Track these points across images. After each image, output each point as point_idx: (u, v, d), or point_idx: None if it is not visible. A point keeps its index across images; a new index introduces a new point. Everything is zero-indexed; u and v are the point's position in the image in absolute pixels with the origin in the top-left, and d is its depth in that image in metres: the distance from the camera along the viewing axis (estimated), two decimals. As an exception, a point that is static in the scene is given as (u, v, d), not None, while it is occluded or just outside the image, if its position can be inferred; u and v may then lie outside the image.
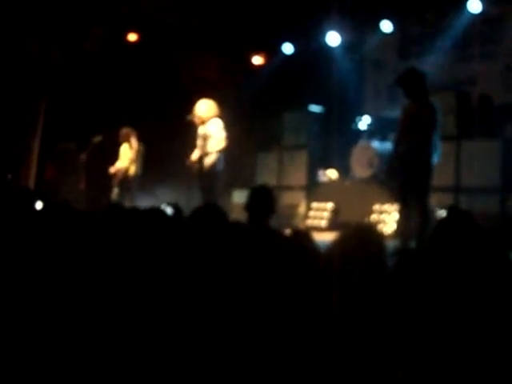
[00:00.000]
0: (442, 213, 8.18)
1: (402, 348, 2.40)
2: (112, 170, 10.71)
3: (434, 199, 8.61)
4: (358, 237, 3.17)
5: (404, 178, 7.09)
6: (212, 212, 3.78)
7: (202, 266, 3.10)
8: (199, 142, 8.93)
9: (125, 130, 10.81)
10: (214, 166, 8.81)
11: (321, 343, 2.61)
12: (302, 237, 3.65)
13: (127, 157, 10.76)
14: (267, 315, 2.79)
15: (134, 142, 10.76)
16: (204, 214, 3.73)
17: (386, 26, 11.26)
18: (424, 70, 9.87)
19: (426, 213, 7.02)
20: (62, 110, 11.80)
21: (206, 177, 8.86)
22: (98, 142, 10.80)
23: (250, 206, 4.94)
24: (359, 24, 11.29)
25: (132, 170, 10.72)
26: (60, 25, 10.98)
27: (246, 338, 2.72)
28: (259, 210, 4.90)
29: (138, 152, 10.79)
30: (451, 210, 6.24)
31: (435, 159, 6.99)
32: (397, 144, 7.30)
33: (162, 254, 3.27)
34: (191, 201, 9.96)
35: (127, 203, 9.47)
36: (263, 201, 4.96)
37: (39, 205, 5.24)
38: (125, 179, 10.73)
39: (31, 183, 11.71)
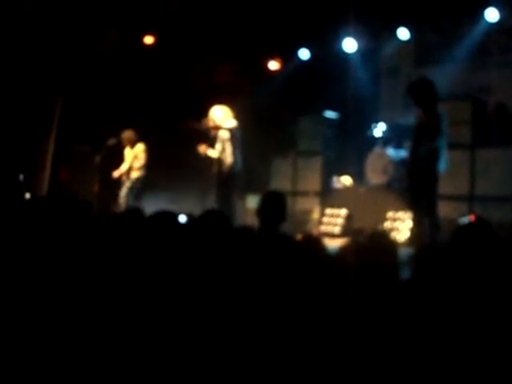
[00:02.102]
0: (464, 220, 8.17)
1: (414, 354, 2.40)
2: (116, 173, 10.76)
3: (448, 207, 8.61)
4: (373, 244, 3.17)
5: (412, 186, 7.18)
6: (215, 218, 3.77)
7: (208, 271, 3.11)
8: (215, 147, 8.94)
9: (126, 133, 10.83)
10: (230, 169, 8.82)
11: (330, 347, 2.61)
12: (313, 242, 3.65)
13: (129, 159, 10.80)
14: (272, 318, 2.79)
15: (136, 144, 10.80)
16: (207, 221, 3.72)
17: (403, 34, 11.24)
18: (438, 79, 9.97)
19: (433, 221, 7.05)
20: (78, 112, 11.83)
21: (221, 181, 8.87)
22: (112, 145, 10.82)
23: (261, 211, 4.95)
24: (375, 31, 11.28)
25: (136, 173, 10.73)
26: (76, 26, 11.02)
27: (248, 339, 2.72)
28: (270, 215, 4.89)
29: (143, 154, 10.80)
30: (476, 219, 6.26)
31: (441, 167, 7.04)
32: (410, 152, 7.37)
33: (168, 258, 3.28)
34: (206, 206, 10.00)
35: (139, 206, 9.48)
36: (274, 206, 4.96)
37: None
38: (136, 182, 10.77)
39: (45, 184, 11.74)
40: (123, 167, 10.78)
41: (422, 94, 7.22)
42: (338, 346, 2.62)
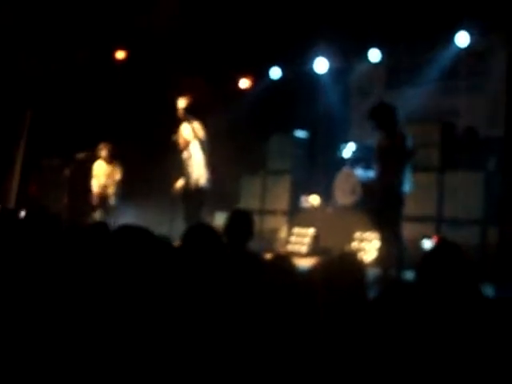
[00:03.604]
0: (426, 242, 8.23)
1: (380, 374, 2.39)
2: (93, 189, 10.68)
3: (415, 229, 8.67)
4: (340, 264, 3.16)
5: (376, 207, 7.26)
6: (207, 233, 3.72)
7: (174, 288, 3.08)
8: (184, 163, 8.93)
9: (103, 146, 10.76)
10: (198, 187, 8.81)
11: (298, 367, 2.59)
12: (283, 261, 3.64)
13: (103, 175, 10.72)
14: (239, 338, 2.77)
15: (109, 158, 10.74)
16: (199, 235, 3.68)
17: (374, 55, 11.34)
18: (408, 101, 10.06)
19: (399, 242, 7.11)
20: (47, 125, 11.75)
21: (190, 198, 8.85)
22: (81, 159, 10.75)
23: (228, 229, 4.92)
24: (347, 51, 11.36)
25: (111, 189, 10.68)
26: (46, 41, 10.96)
27: (215, 359, 2.69)
28: (238, 233, 4.87)
29: (116, 170, 10.76)
30: (440, 241, 6.32)
31: (406, 188, 7.12)
32: (376, 174, 7.44)
33: (133, 272, 3.24)
34: (174, 222, 9.95)
35: (109, 221, 9.42)
36: (242, 224, 4.94)
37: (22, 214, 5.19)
38: (105, 199, 10.70)
39: (13, 197, 11.64)
40: (97, 182, 10.69)
41: (383, 117, 7.34)
42: (306, 365, 2.60)
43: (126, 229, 3.55)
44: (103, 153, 10.75)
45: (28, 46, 11.01)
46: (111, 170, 10.76)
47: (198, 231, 3.68)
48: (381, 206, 7.18)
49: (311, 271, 3.10)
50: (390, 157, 7.15)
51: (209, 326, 2.86)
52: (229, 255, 3.86)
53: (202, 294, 3.04)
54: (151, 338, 2.79)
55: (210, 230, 3.70)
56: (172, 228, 9.05)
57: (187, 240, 3.61)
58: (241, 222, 5.04)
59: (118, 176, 10.73)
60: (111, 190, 10.69)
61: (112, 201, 10.72)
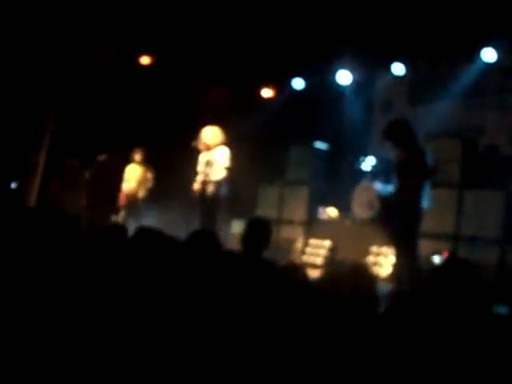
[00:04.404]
0: (436, 258, 8.17)
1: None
2: (122, 192, 10.86)
3: (432, 246, 8.60)
4: (352, 275, 3.15)
5: (393, 223, 7.20)
6: (207, 239, 3.75)
7: (189, 292, 3.08)
8: (202, 168, 8.97)
9: (138, 151, 10.99)
10: (216, 192, 8.82)
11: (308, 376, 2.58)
12: (295, 270, 3.63)
13: (135, 178, 10.90)
14: (252, 344, 2.76)
15: (144, 164, 10.96)
16: (199, 240, 3.70)
17: (398, 69, 11.30)
18: (431, 116, 9.98)
19: (413, 257, 7.05)
20: (71, 126, 11.84)
21: (207, 203, 8.87)
22: (102, 161, 10.83)
23: (245, 237, 4.93)
24: (371, 64, 11.33)
25: (141, 192, 10.88)
26: (71, 44, 11.04)
27: (229, 366, 2.69)
28: (254, 241, 4.87)
29: (148, 175, 10.96)
30: (450, 257, 6.27)
31: (424, 204, 7.07)
32: (395, 190, 7.38)
33: (154, 275, 3.25)
34: (191, 228, 9.94)
35: (133, 225, 9.48)
36: (259, 232, 4.94)
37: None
38: (133, 202, 10.87)
39: (34, 196, 11.72)
40: (127, 185, 10.86)
41: (399, 134, 7.29)
42: (314, 372, 2.60)
43: (143, 232, 3.56)
44: (137, 157, 10.97)
45: (52, 49, 11.09)
46: (143, 173, 10.96)
47: (199, 237, 3.70)
48: (398, 222, 7.13)
49: (321, 281, 3.10)
50: (408, 172, 7.10)
51: (219, 331, 2.85)
52: (244, 262, 3.86)
53: (208, 298, 3.04)
54: (162, 341, 2.79)
55: (210, 236, 3.72)
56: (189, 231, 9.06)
57: (188, 245, 3.63)
58: (258, 230, 5.05)
59: (149, 180, 10.94)
60: (141, 194, 10.88)
61: (139, 203, 10.90)
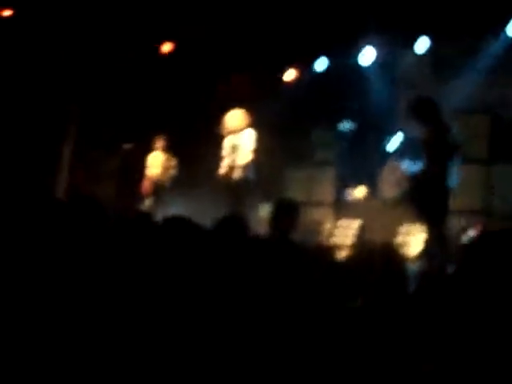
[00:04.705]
0: (469, 232, 8.11)
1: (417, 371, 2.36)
2: (146, 179, 10.85)
3: (461, 222, 8.55)
4: (381, 255, 3.14)
5: (424, 201, 7.17)
6: (236, 224, 3.76)
7: (219, 277, 3.08)
8: (228, 153, 8.97)
9: (160, 138, 10.98)
10: (243, 176, 8.83)
11: (337, 355, 2.59)
12: (325, 252, 3.63)
13: (158, 166, 10.90)
14: (283, 325, 2.77)
15: (156, 149, 10.93)
16: (228, 226, 3.71)
17: (421, 46, 11.19)
18: (456, 92, 9.87)
19: (443, 234, 7.02)
20: (95, 116, 11.88)
21: (235, 188, 8.88)
22: (128, 150, 10.89)
23: (273, 220, 4.93)
24: (394, 42, 11.21)
25: (165, 180, 10.87)
26: (95, 36, 11.07)
27: (258, 346, 2.70)
28: (283, 223, 4.88)
29: (171, 162, 10.95)
30: (482, 231, 6.23)
31: (452, 182, 7.03)
32: (423, 168, 7.35)
33: (181, 262, 3.25)
34: (219, 213, 9.96)
35: (160, 212, 9.53)
36: (287, 214, 4.95)
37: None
38: (158, 190, 10.88)
39: (62, 189, 11.80)
40: (151, 172, 10.86)
41: (425, 112, 7.23)
42: (345, 354, 2.60)
43: (171, 220, 3.56)
44: (159, 144, 10.96)
45: (75, 44, 11.13)
46: (166, 161, 10.96)
47: (228, 223, 3.70)
48: (426, 199, 7.10)
49: (351, 262, 3.10)
50: (435, 150, 7.06)
51: (250, 316, 2.86)
52: (274, 245, 3.86)
53: (238, 284, 3.05)
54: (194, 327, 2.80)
55: (239, 221, 3.72)
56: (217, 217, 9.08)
57: (216, 231, 3.64)
58: (286, 212, 5.06)
59: (172, 167, 10.92)
60: (165, 181, 10.87)
61: (164, 191, 10.90)
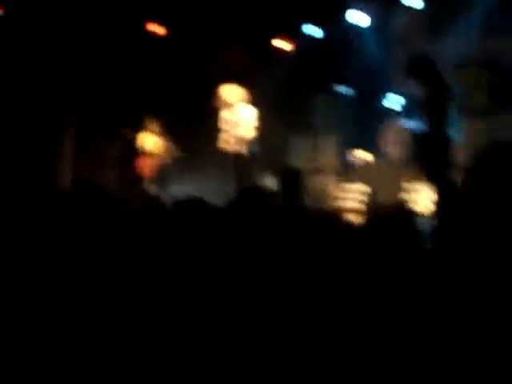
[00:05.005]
0: None
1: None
2: (144, 162, 10.80)
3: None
4: (391, 215, 3.15)
5: (427, 158, 7.20)
6: (261, 196, 3.70)
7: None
8: (228, 127, 8.97)
9: (157, 120, 10.91)
10: (247, 150, 8.85)
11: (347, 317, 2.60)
12: (335, 216, 3.64)
13: (153, 147, 10.83)
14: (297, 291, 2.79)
15: (157, 132, 10.86)
16: (254, 199, 3.66)
17: (414, 3, 11.11)
18: (453, 47, 9.80)
19: (451, 190, 7.03)
20: (95, 104, 11.85)
21: (240, 162, 8.90)
22: (129, 135, 10.87)
23: (282, 189, 4.96)
24: (386, 2, 11.15)
25: (163, 161, 10.80)
26: (91, 23, 11.03)
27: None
28: (291, 191, 4.91)
29: (169, 143, 10.88)
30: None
31: (457, 137, 7.04)
32: (425, 125, 7.38)
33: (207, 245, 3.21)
34: (224, 187, 9.99)
35: (166, 194, 9.53)
36: (294, 182, 4.98)
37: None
38: (159, 170, 10.83)
39: (67, 179, 11.81)
40: (148, 155, 10.81)
41: (421, 72, 7.23)
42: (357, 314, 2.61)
43: (186, 203, 3.50)
44: (152, 127, 10.89)
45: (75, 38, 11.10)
46: (162, 143, 10.88)
47: (250, 194, 3.67)
48: (431, 157, 7.11)
49: (361, 222, 3.10)
50: (437, 107, 7.07)
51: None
52: (285, 214, 3.86)
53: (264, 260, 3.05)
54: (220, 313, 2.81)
55: (261, 192, 3.70)
56: (222, 193, 9.11)
57: (239, 204, 3.61)
58: (291, 180, 5.08)
59: (169, 149, 10.84)
60: (166, 162, 10.81)
61: (164, 173, 10.85)
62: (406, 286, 2.68)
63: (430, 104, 7.16)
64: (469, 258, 2.44)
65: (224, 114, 9.12)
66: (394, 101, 10.37)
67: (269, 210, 3.56)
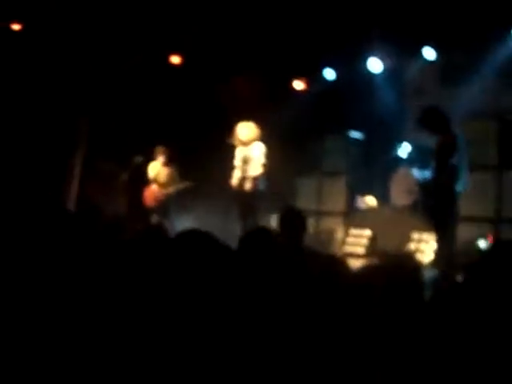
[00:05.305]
0: (481, 242, 8.10)
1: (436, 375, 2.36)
2: (149, 191, 10.80)
3: (472, 230, 8.53)
4: (397, 264, 3.15)
5: (431, 207, 7.23)
6: (266, 237, 3.71)
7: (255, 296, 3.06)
8: (239, 164, 9.02)
9: (158, 149, 10.92)
10: (254, 188, 8.86)
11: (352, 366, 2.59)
12: (337, 261, 3.63)
13: (160, 177, 10.84)
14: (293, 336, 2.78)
15: (166, 161, 10.88)
16: (259, 240, 3.66)
17: (429, 53, 11.19)
18: (465, 99, 9.85)
19: (448, 241, 7.04)
20: (105, 129, 11.91)
21: (246, 199, 8.91)
22: (139, 163, 10.89)
23: (281, 228, 4.95)
24: (401, 50, 11.22)
25: (168, 191, 10.77)
26: (101, 47, 11.12)
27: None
28: (291, 230, 4.90)
29: (173, 172, 10.86)
30: (496, 242, 6.24)
31: (461, 187, 7.06)
32: (431, 173, 7.41)
33: (208, 281, 3.20)
34: (229, 224, 10.00)
35: (168, 225, 9.49)
36: (295, 220, 4.97)
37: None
38: (162, 203, 10.79)
39: (72, 202, 11.83)
40: (155, 185, 10.81)
41: (432, 121, 7.29)
42: (362, 363, 2.60)
43: (189, 234, 3.48)
44: (161, 156, 10.90)
45: (82, 52, 11.19)
46: (169, 173, 10.88)
47: (257, 235, 3.67)
48: (435, 205, 7.14)
49: (364, 271, 3.09)
50: (444, 158, 7.11)
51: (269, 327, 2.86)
52: (286, 253, 3.85)
53: (263, 299, 3.04)
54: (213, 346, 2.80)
55: (268, 233, 3.70)
56: (226, 230, 9.12)
57: (246, 244, 3.60)
58: (293, 218, 5.07)
59: (176, 179, 10.82)
60: (171, 193, 10.78)
61: (169, 204, 10.82)
62: (406, 336, 2.68)
63: (439, 154, 7.20)
64: (469, 311, 2.45)
65: (235, 150, 9.17)
66: (403, 149, 10.40)
67: (271, 250, 3.56)
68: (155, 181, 10.89)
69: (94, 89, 11.77)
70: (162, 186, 10.84)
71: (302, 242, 4.89)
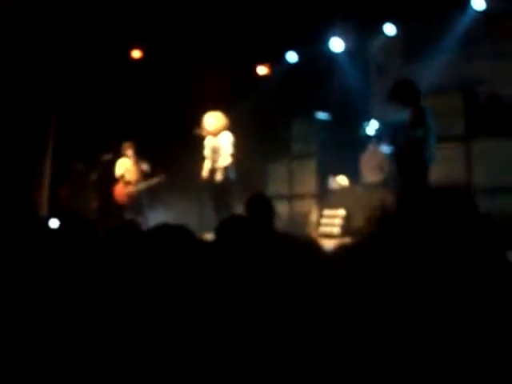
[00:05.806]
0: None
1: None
2: (119, 187, 10.70)
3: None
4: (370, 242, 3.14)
5: (403, 181, 7.27)
6: (243, 225, 3.68)
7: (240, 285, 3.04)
8: (208, 154, 8.99)
9: (126, 145, 10.80)
10: (225, 178, 8.84)
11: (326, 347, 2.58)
12: (310, 242, 3.61)
13: (129, 173, 10.73)
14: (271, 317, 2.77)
15: (135, 156, 10.78)
16: (236, 228, 3.63)
17: (389, 29, 11.21)
18: (428, 73, 9.89)
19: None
20: (72, 129, 11.79)
21: (218, 190, 8.88)
22: (107, 161, 10.80)
23: (248, 215, 4.93)
24: (362, 29, 11.23)
25: (139, 187, 10.67)
26: (69, 48, 11.00)
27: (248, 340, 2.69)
28: (259, 217, 4.88)
29: (143, 168, 10.76)
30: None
31: (429, 160, 7.10)
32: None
33: (187, 273, 3.19)
34: (203, 215, 9.97)
35: (139, 221, 9.41)
36: (260, 207, 4.95)
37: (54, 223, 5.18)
38: (133, 198, 10.68)
39: (45, 204, 11.71)
40: (125, 180, 10.70)
41: (405, 94, 7.30)
42: (335, 345, 2.59)
43: (164, 228, 3.45)
44: (128, 152, 10.79)
45: (51, 55, 11.05)
46: (137, 168, 10.78)
47: (232, 224, 3.64)
48: (406, 180, 7.17)
49: (338, 250, 3.08)
50: (414, 131, 7.13)
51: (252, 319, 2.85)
52: (259, 239, 3.82)
53: (245, 288, 3.02)
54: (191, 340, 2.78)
55: (242, 221, 3.67)
56: (202, 222, 9.09)
57: (223, 233, 3.57)
58: (259, 204, 5.06)
59: (145, 174, 10.73)
60: (139, 189, 10.68)
61: (141, 200, 10.73)
62: (373, 317, 2.68)
63: (408, 127, 7.21)
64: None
65: (203, 140, 9.12)
66: (371, 126, 10.43)
67: (248, 238, 3.54)
68: (125, 177, 10.78)
69: (60, 87, 11.62)
70: (133, 182, 10.74)
71: (272, 227, 4.88)
